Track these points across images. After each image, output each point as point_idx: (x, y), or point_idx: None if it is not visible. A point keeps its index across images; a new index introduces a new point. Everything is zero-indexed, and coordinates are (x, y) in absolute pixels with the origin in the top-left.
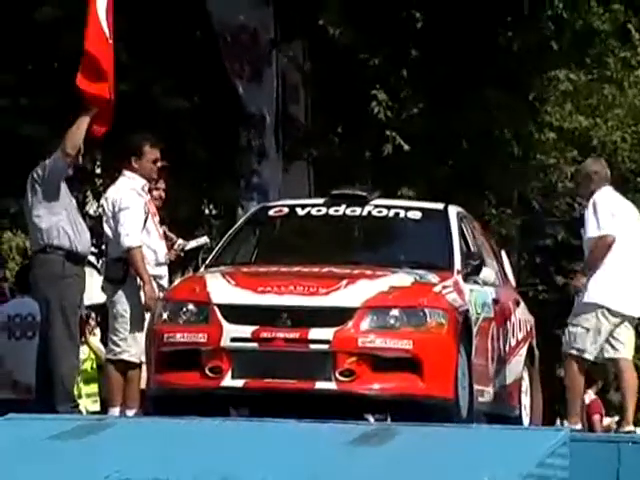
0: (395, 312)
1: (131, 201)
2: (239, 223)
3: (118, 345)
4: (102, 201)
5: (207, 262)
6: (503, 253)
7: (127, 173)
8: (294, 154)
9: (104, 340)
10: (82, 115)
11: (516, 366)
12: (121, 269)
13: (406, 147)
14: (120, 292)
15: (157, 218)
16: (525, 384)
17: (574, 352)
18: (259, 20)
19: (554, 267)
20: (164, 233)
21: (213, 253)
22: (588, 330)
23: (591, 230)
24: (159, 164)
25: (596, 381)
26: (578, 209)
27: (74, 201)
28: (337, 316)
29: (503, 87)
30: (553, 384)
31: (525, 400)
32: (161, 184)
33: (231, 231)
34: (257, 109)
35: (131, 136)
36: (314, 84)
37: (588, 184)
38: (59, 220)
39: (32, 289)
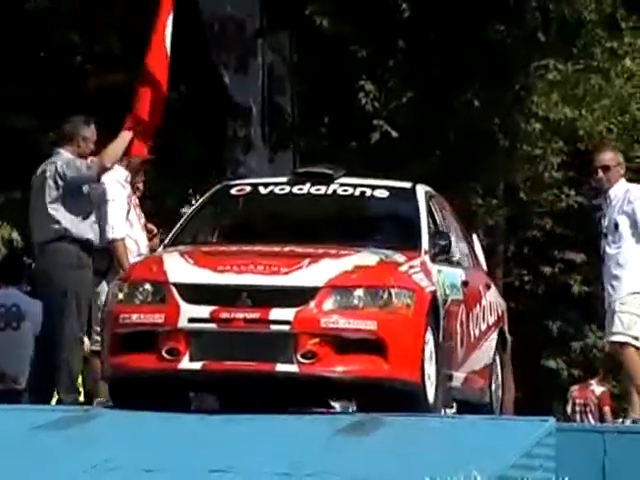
0: (359, 292)
1: (115, 193)
2: (199, 202)
3: None
4: None
5: (165, 242)
6: (474, 236)
7: None
8: (281, 144)
9: (88, 331)
10: (124, 132)
11: (487, 351)
12: (105, 260)
13: (394, 134)
14: (104, 283)
15: (139, 209)
16: (496, 370)
17: (630, 340)
18: (246, 10)
19: (541, 258)
20: (144, 224)
21: (172, 233)
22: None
23: None
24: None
25: (598, 371)
26: (565, 200)
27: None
28: (299, 296)
29: (490, 78)
30: (540, 372)
31: (496, 386)
32: (141, 176)
33: (191, 210)
34: (243, 100)
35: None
36: (301, 75)
37: (620, 173)
38: (77, 212)
39: (38, 278)
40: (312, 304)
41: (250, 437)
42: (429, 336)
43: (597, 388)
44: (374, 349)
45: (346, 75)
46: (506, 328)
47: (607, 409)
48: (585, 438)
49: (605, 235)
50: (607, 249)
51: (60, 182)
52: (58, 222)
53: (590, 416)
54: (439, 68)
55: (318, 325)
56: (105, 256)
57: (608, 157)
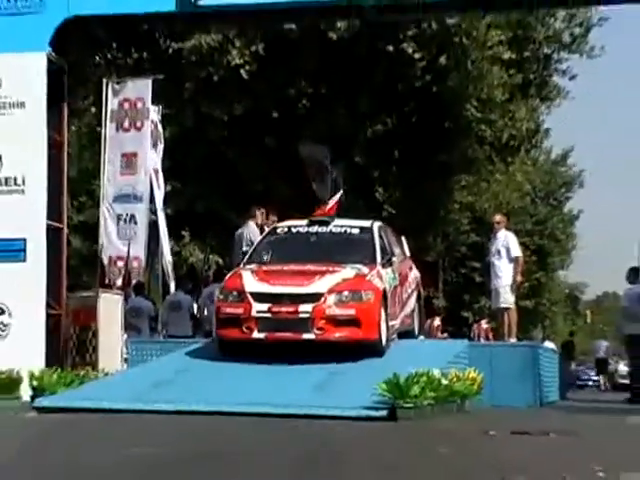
0: (346, 293)
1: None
2: (261, 237)
3: None
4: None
5: (244, 261)
6: (403, 238)
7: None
8: (339, 216)
9: None
10: None
11: (411, 304)
12: None
13: (393, 211)
14: None
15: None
16: (415, 313)
17: (509, 305)
18: (323, 153)
19: (460, 265)
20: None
21: (247, 256)
22: (512, 293)
23: (517, 250)
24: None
25: (486, 317)
26: (471, 239)
27: None
28: (314, 297)
29: (437, 182)
30: (460, 319)
31: (416, 321)
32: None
33: (257, 241)
34: (322, 195)
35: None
36: (347, 184)
37: (504, 225)
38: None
39: None
40: (322, 301)
41: (310, 369)
42: (382, 312)
43: (484, 325)
44: (354, 324)
45: (370, 183)
46: (421, 289)
47: (490, 336)
48: (482, 349)
49: (493, 255)
50: (495, 262)
51: (248, 240)
52: (244, 254)
53: (482, 339)
54: (411, 181)
55: (325, 313)
56: None
57: (498, 217)
